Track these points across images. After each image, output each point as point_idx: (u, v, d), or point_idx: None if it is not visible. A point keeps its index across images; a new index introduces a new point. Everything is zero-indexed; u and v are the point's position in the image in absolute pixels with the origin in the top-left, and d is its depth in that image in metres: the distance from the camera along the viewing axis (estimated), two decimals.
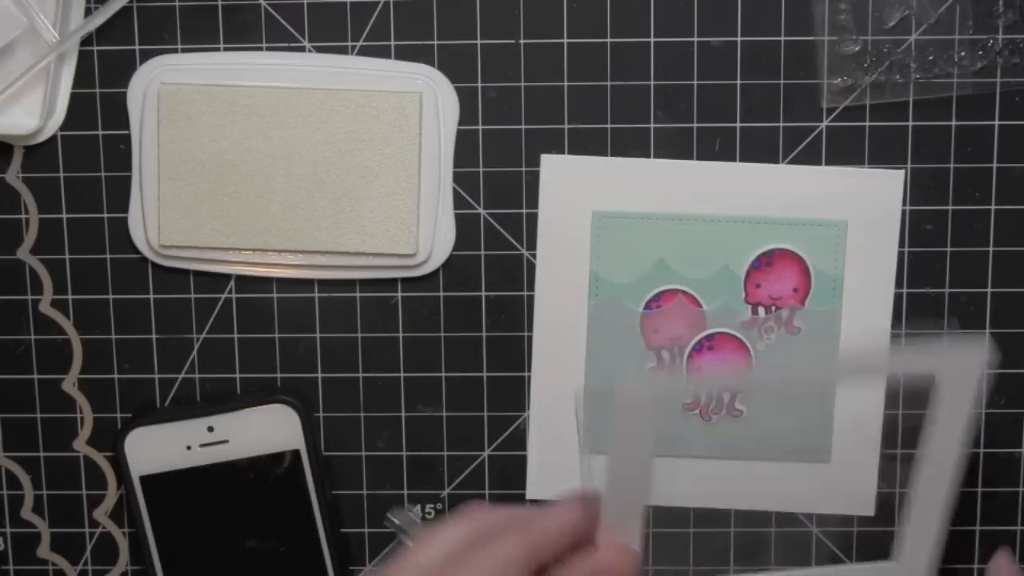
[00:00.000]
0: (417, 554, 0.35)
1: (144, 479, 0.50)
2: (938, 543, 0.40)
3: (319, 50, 0.49)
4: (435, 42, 0.48)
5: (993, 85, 0.48)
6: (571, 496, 0.37)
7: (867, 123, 0.48)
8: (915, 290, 0.49)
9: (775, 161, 0.49)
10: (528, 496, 0.51)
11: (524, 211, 0.49)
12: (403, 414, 0.51)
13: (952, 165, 0.48)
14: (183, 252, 0.49)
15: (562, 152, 0.49)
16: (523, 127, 0.49)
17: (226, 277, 0.50)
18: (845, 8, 0.47)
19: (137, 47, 0.49)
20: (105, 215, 0.50)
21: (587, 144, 0.49)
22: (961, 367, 0.38)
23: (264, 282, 0.50)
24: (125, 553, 0.52)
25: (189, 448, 0.50)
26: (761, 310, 0.48)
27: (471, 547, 0.35)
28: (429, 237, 0.49)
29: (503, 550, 0.35)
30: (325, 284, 0.50)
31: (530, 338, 0.50)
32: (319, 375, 0.51)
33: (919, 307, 0.49)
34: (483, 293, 0.50)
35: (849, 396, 0.49)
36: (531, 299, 0.50)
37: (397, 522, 0.51)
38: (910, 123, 0.48)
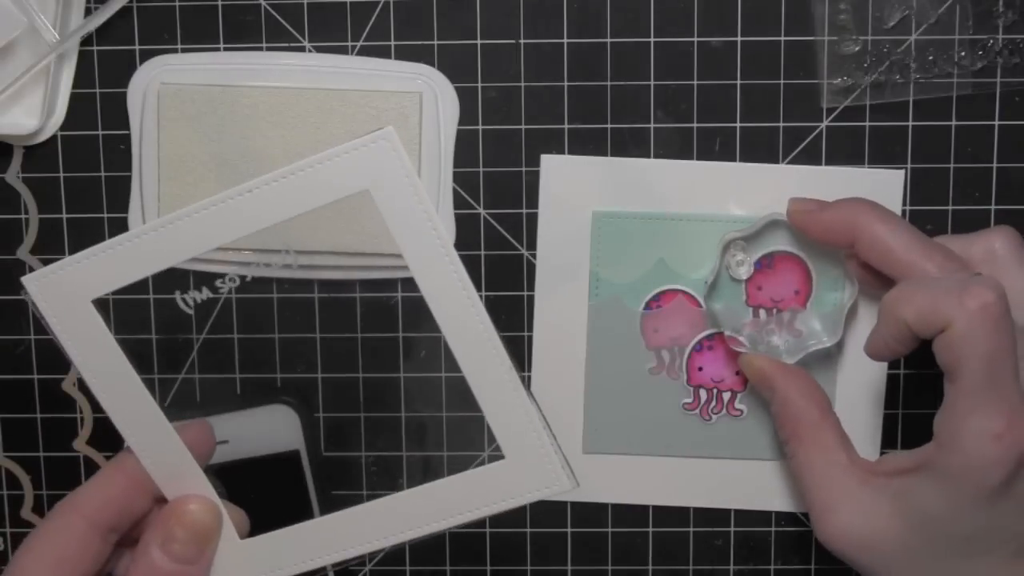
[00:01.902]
0: None
1: None
2: (538, 423, 0.39)
3: (319, 50, 0.49)
4: (435, 42, 0.48)
5: (993, 85, 0.48)
6: (113, 461, 0.41)
7: (867, 123, 0.48)
8: None
9: (775, 161, 0.49)
10: None
11: (524, 211, 0.49)
12: (403, 414, 0.51)
13: (952, 165, 0.48)
14: None
15: (562, 152, 0.49)
16: (523, 127, 0.49)
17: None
18: (845, 8, 0.47)
19: (137, 47, 0.49)
20: (105, 215, 0.50)
21: (587, 144, 0.49)
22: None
23: (264, 282, 0.50)
24: None
25: None
26: (762, 313, 0.48)
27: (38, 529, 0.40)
28: None
29: (56, 520, 0.39)
30: (325, 284, 0.50)
31: (530, 338, 0.50)
32: (319, 375, 0.51)
33: None
34: (483, 293, 0.50)
35: (849, 395, 0.49)
36: (531, 299, 0.50)
37: None
38: (910, 123, 0.48)
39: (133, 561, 0.40)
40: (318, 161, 0.38)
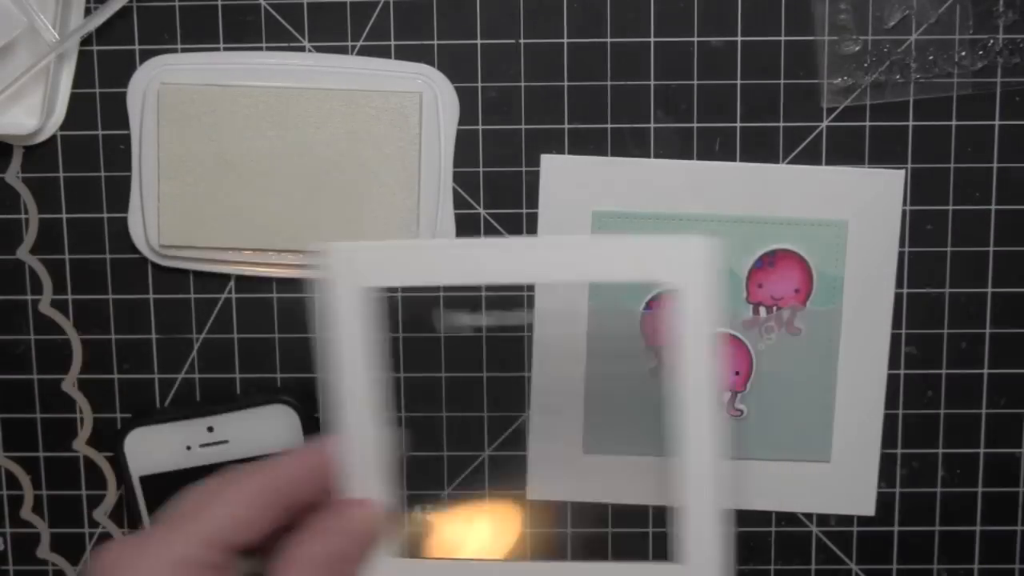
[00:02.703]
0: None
1: (144, 479, 0.50)
2: (721, 535, 0.37)
3: (319, 50, 0.49)
4: (435, 42, 0.48)
5: (993, 85, 0.48)
6: (315, 442, 0.39)
7: (867, 123, 0.48)
8: (915, 290, 0.49)
9: (775, 161, 0.49)
10: (528, 496, 0.51)
11: (524, 211, 0.49)
12: (403, 414, 0.51)
13: (952, 165, 0.48)
14: (183, 252, 0.49)
15: (562, 152, 0.49)
16: (523, 127, 0.49)
17: (226, 277, 0.50)
18: (845, 8, 0.47)
19: (137, 47, 0.49)
20: (105, 215, 0.50)
21: (587, 144, 0.49)
22: (686, 268, 0.36)
23: (264, 282, 0.50)
24: None
25: (189, 448, 0.50)
26: (762, 310, 0.48)
27: (218, 486, 0.37)
28: (429, 237, 0.49)
29: (247, 484, 0.37)
30: None
31: (530, 338, 0.50)
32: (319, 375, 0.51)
33: (919, 307, 0.49)
34: (483, 293, 0.50)
35: (849, 395, 0.49)
36: (531, 299, 0.50)
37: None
38: (910, 123, 0.48)
39: (288, 550, 0.37)
40: (636, 240, 0.37)
